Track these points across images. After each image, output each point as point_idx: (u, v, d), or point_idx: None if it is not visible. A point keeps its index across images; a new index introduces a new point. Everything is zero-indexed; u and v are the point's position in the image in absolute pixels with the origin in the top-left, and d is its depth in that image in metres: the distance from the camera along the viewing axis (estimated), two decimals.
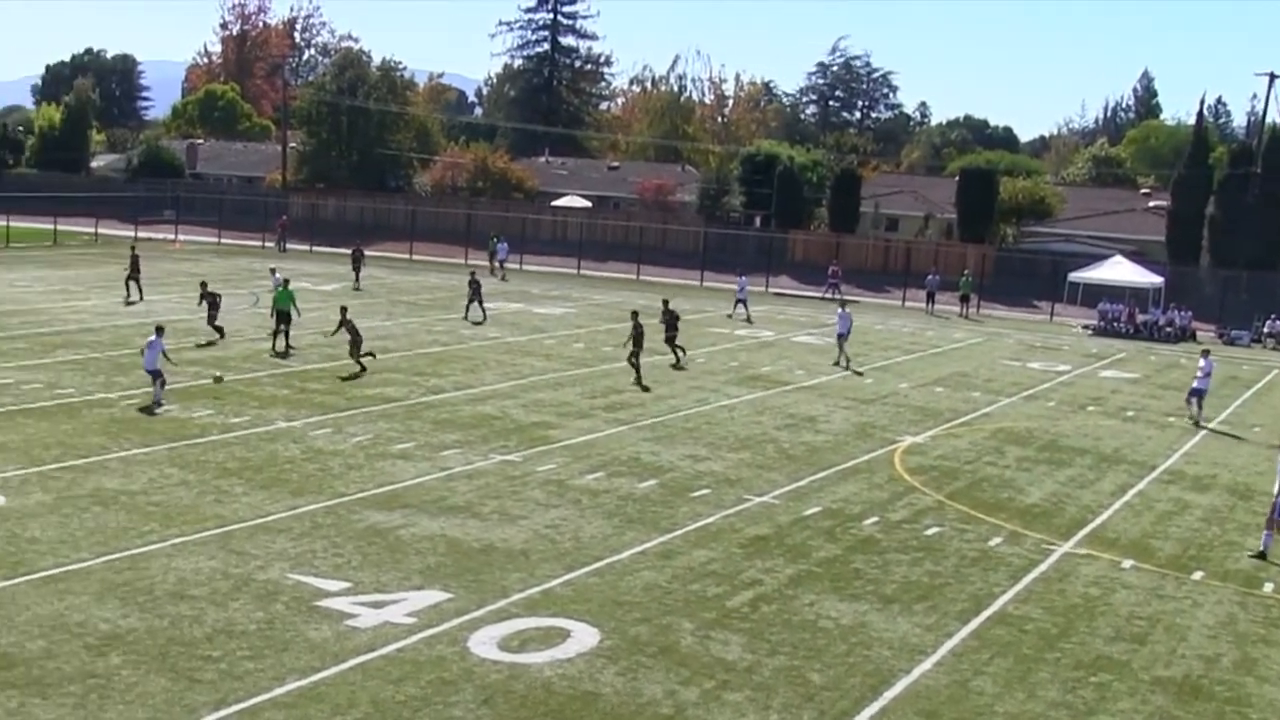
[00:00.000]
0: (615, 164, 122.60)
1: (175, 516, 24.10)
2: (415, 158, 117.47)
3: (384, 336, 47.85)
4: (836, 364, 46.99)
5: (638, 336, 41.51)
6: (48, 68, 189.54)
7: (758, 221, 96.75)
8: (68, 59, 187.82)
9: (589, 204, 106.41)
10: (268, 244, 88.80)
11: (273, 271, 53.76)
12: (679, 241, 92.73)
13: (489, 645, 18.63)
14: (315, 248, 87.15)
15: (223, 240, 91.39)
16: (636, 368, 41.50)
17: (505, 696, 17.08)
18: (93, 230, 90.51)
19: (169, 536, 22.88)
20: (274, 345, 43.18)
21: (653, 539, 24.44)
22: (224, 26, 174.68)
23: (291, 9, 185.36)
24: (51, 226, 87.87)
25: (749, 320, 60.54)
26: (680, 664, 18.54)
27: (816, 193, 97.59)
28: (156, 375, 33.98)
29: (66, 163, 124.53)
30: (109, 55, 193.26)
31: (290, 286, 44.81)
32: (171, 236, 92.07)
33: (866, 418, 38.01)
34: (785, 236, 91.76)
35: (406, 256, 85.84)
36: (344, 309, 41.36)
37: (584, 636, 19.21)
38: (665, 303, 47.24)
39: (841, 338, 47.50)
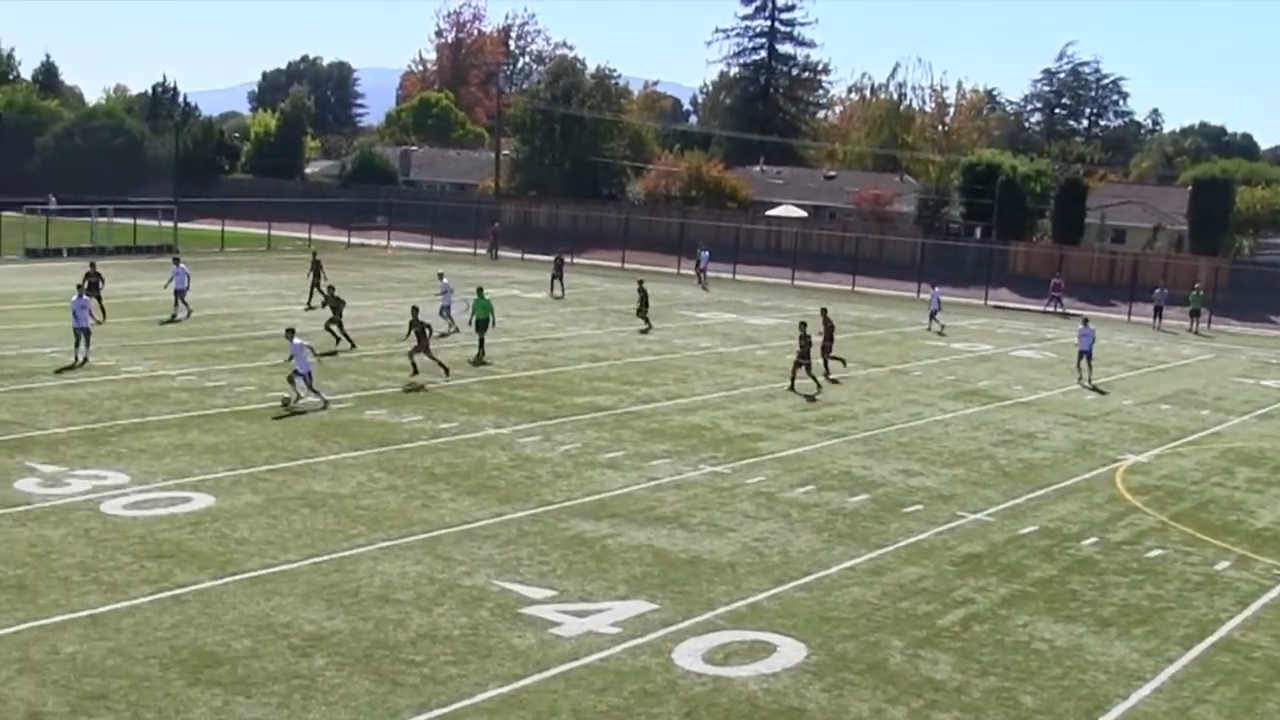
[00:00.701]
0: (832, 173, 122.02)
1: (382, 520, 24.60)
2: (628, 166, 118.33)
3: (594, 345, 48.27)
4: (1080, 382, 45.77)
5: (805, 348, 41.16)
6: (264, 75, 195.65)
7: (978, 233, 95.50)
8: (284, 66, 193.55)
9: (804, 214, 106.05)
10: (479, 251, 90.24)
11: (440, 277, 54.49)
12: (896, 253, 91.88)
13: (693, 657, 18.65)
14: (526, 255, 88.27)
15: (434, 247, 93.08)
16: (793, 376, 41.31)
17: (709, 710, 17.08)
18: (306, 235, 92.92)
19: (376, 540, 23.36)
20: (480, 354, 43.74)
21: (862, 554, 24.24)
22: (439, 34, 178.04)
23: (506, 17, 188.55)
24: (265, 231, 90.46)
25: (941, 333, 59.60)
26: (888, 682, 18.35)
27: (1039, 203, 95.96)
28: (300, 376, 34.87)
29: (281, 169, 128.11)
30: (325, 63, 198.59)
31: (486, 295, 45.17)
32: (383, 243, 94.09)
33: (1087, 435, 37.21)
34: (1006, 248, 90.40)
35: (619, 265, 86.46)
36: (415, 309, 40.89)
37: (790, 651, 19.12)
38: (824, 311, 46.70)
39: (1084, 355, 46.38)
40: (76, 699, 16.35)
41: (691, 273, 79.79)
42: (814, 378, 41.98)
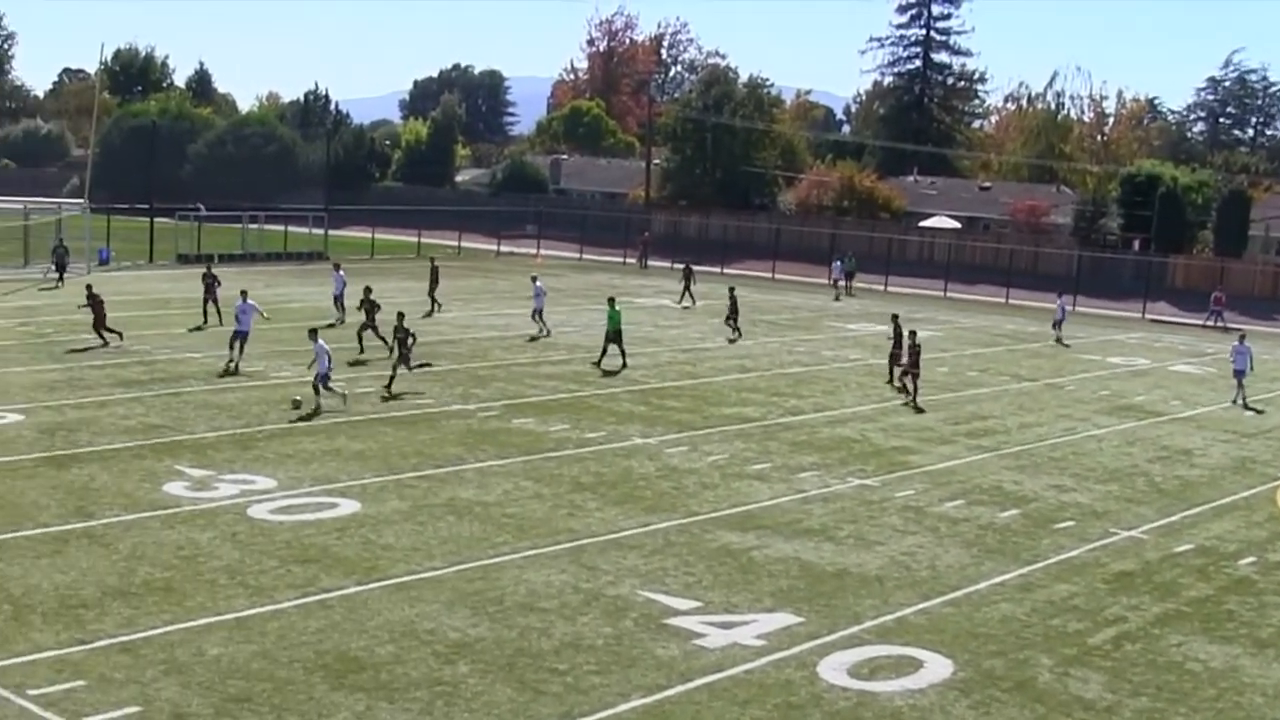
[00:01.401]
0: (987, 184, 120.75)
1: (528, 529, 24.78)
2: (780, 176, 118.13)
3: (743, 356, 48.22)
4: (1234, 402, 44.57)
5: (914, 357, 40.70)
6: (416, 83, 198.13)
7: (1136, 245, 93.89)
8: (436, 74, 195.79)
9: (958, 225, 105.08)
10: (629, 260, 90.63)
11: (534, 279, 54.76)
12: (1051, 265, 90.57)
13: (839, 671, 18.54)
14: (676, 265, 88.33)
15: (584, 256, 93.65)
16: (903, 387, 40.92)
17: None
18: (455, 243, 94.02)
19: (521, 548, 23.53)
20: (599, 363, 43.84)
21: (1012, 570, 23.93)
22: (591, 43, 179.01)
23: (659, 25, 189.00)
24: (415, 239, 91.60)
25: (1061, 342, 58.48)
26: (1036, 700, 18.09)
27: (1201, 215, 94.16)
28: (325, 378, 35.34)
29: (431, 177, 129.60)
30: (477, 71, 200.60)
31: (617, 306, 45.11)
32: (533, 251, 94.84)
33: (1247, 452, 36.42)
34: (1165, 261, 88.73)
35: (769, 275, 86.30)
36: (400, 316, 40.36)
37: (937, 667, 18.94)
38: (894, 317, 46.15)
39: (1239, 374, 45.11)
40: (220, 701, 16.66)
41: (833, 284, 79.27)
42: (905, 383, 42.26)
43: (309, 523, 24.56)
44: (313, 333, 36.33)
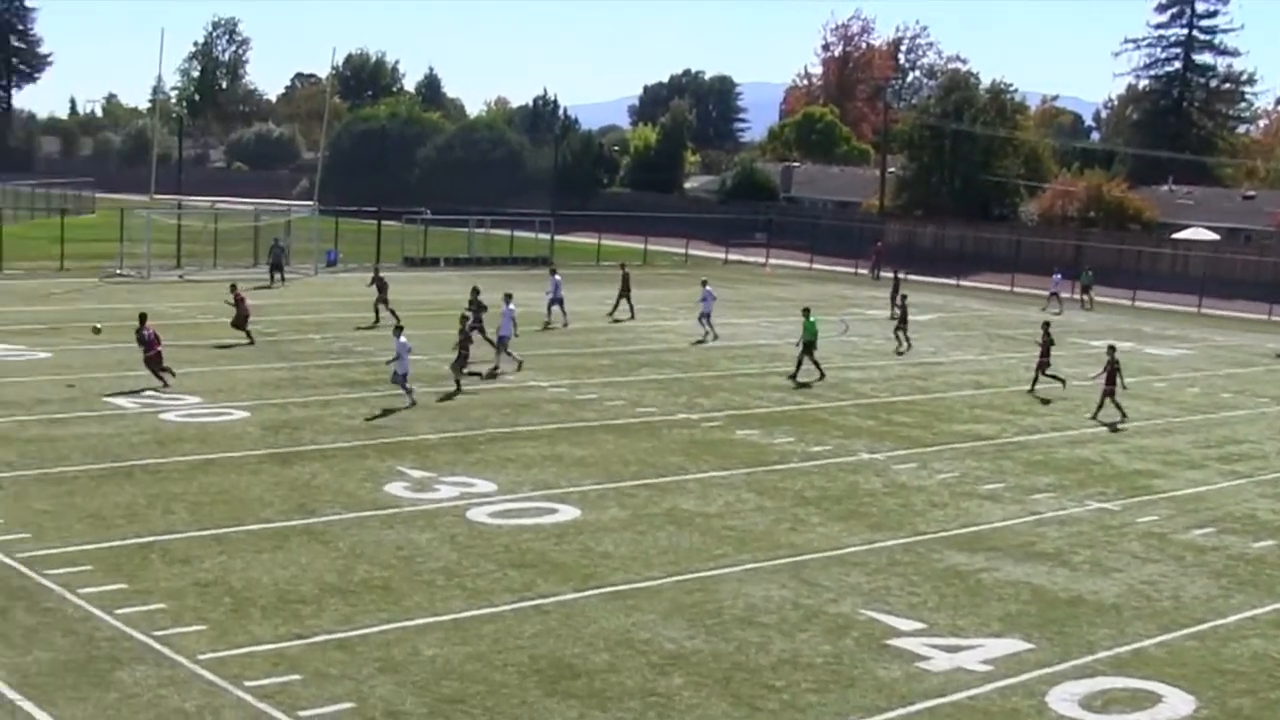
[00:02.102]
0: (1251, 193, 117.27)
1: (749, 542, 24.87)
2: (1022, 185, 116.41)
3: (978, 371, 47.71)
4: None
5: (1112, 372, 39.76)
6: (646, 89, 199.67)
7: None
8: (666, 80, 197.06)
9: (1216, 236, 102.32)
10: (859, 271, 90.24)
11: (703, 284, 54.90)
12: None
13: (1069, 702, 18.25)
14: (909, 276, 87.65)
15: (814, 265, 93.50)
16: (1116, 404, 39.98)
17: None
18: (683, 251, 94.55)
19: (741, 561, 23.63)
20: (795, 374, 43.55)
21: (1265, 604, 23.27)
22: (825, 48, 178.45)
23: (896, 29, 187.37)
24: (642, 246, 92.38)
25: None
26: None
27: None
28: (403, 377, 35.73)
29: (660, 183, 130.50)
30: (708, 77, 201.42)
31: (813, 317, 44.73)
32: (762, 260, 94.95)
33: None
34: None
35: (1007, 288, 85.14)
36: (464, 318, 40.73)
37: (1177, 703, 18.51)
38: (1045, 326, 45.01)
39: None
40: (434, 701, 17.05)
41: (1077, 296, 77.80)
42: (1054, 376, 42.80)
43: (528, 527, 24.98)
44: (398, 330, 37.09)
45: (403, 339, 36.04)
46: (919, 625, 20.82)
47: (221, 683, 17.16)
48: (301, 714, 16.46)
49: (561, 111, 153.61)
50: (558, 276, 54.62)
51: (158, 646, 18.21)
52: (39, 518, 24.06)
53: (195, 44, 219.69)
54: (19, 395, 34.96)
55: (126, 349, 39.72)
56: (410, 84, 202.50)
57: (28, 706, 16.28)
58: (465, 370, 39.18)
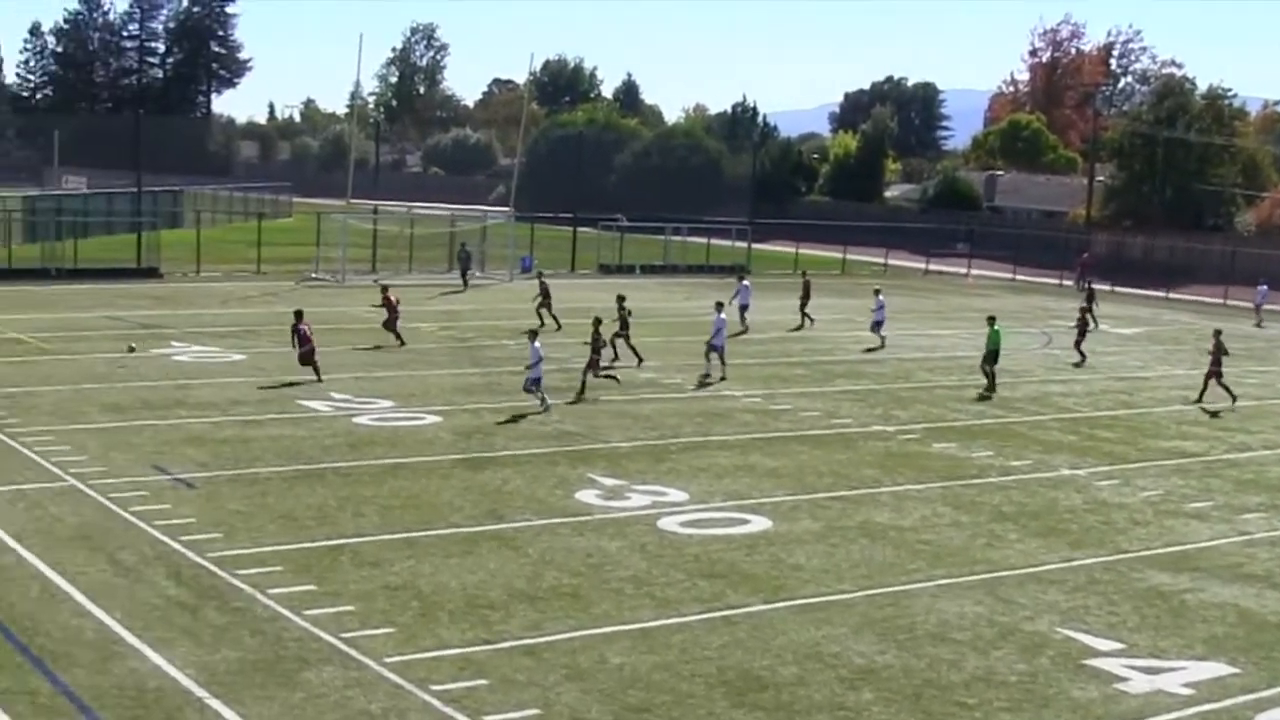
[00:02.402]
0: None
1: (943, 557, 24.60)
2: (1240, 194, 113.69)
3: (1187, 387, 46.55)
4: None
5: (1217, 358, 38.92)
6: (846, 96, 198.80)
7: None
8: (867, 87, 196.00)
9: None
10: (1065, 282, 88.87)
11: (876, 293, 54.92)
12: None
13: None
14: (1117, 288, 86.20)
15: (1017, 276, 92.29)
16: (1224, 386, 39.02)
17: None
18: (882, 260, 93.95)
19: (935, 576, 23.38)
20: (989, 385, 43.03)
21: None
22: (1033, 54, 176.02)
23: (1108, 34, 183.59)
24: (840, 255, 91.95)
25: None
26: None
27: None
28: (536, 383, 35.67)
29: (859, 191, 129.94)
30: (910, 84, 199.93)
31: (997, 326, 44.05)
32: (963, 271, 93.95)
33: None
34: None
35: (1219, 301, 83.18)
36: (597, 322, 40.03)
37: None
38: (1216, 333, 43.51)
39: None
40: (620, 709, 17.11)
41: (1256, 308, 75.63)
42: (1225, 388, 41.90)
43: (719, 538, 24.98)
44: (532, 334, 37.15)
45: (537, 344, 36.24)
46: (1118, 645, 20.41)
47: (408, 686, 17.40)
48: (486, 719, 16.62)
49: (760, 119, 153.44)
50: (746, 282, 54.78)
51: (345, 648, 18.53)
52: (231, 518, 24.64)
53: (393, 49, 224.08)
54: (214, 397, 35.88)
55: (322, 351, 40.56)
56: (608, 90, 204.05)
57: (215, 704, 16.66)
58: (601, 373, 39.30)
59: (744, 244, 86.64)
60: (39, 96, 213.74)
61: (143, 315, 50.69)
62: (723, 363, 42.45)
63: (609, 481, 28.60)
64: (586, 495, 27.45)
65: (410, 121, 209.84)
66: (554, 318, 51.12)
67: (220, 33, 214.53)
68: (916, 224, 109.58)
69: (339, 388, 37.67)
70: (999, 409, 39.84)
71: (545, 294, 52.65)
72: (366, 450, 30.57)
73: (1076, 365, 50.45)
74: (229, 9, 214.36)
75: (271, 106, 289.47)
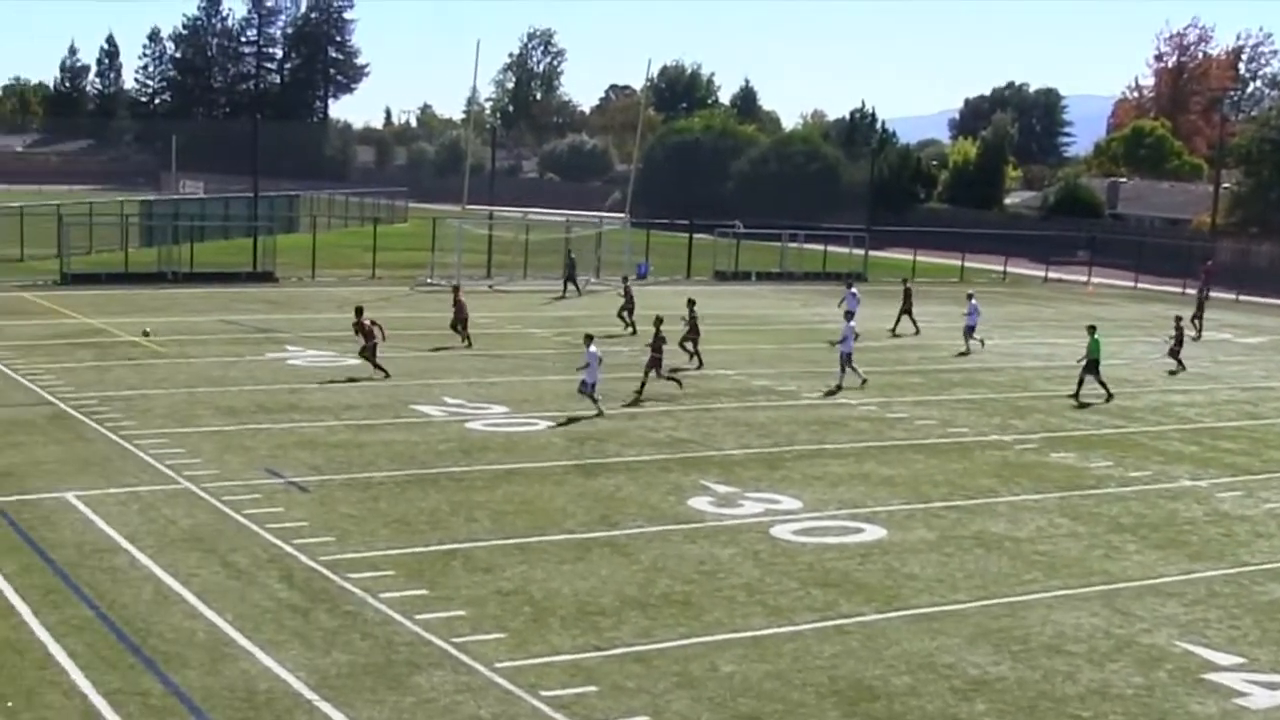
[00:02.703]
0: None
1: (1060, 568, 24.40)
2: None
3: None
4: None
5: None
6: (967, 101, 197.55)
7: None
8: (988, 93, 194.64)
9: None
10: (1188, 290, 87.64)
11: (969, 297, 54.98)
12: None
13: None
14: (1242, 297, 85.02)
15: (1139, 285, 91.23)
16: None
17: None
18: (1001, 268, 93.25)
19: (1051, 588, 23.20)
20: (1106, 393, 42.58)
21: None
22: (1158, 58, 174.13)
23: (1238, 37, 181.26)
24: (958, 263, 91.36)
25: None
26: None
27: None
28: (592, 387, 35.72)
29: (978, 199, 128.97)
30: (1031, 89, 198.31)
31: (1098, 335, 43.38)
32: (1084, 279, 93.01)
33: None
34: None
35: None
36: (658, 321, 40.12)
37: None
38: None
39: None
40: (730, 717, 17.14)
41: None
42: None
43: (832, 546, 24.95)
44: (588, 339, 36.95)
45: (593, 349, 36.25)
46: (1238, 660, 20.15)
47: (518, 691, 17.54)
48: None
49: (879, 125, 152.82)
50: (854, 290, 54.67)
51: (456, 653, 18.71)
52: (343, 522, 24.94)
53: (510, 55, 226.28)
54: (328, 401, 36.33)
55: (434, 358, 41.03)
56: (725, 96, 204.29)
57: (325, 707, 16.89)
58: (665, 375, 39.46)
59: (861, 251, 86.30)
60: (157, 101, 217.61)
61: (257, 319, 51.39)
62: (842, 371, 42.26)
63: (722, 489, 28.65)
64: (699, 502, 27.51)
65: (526, 127, 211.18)
66: (631, 324, 51.43)
67: (338, 38, 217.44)
68: (1036, 231, 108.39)
69: (452, 393, 38.02)
70: (1119, 419, 39.43)
71: (629, 300, 52.97)
72: (480, 455, 30.83)
73: (1172, 373, 49.86)
74: (347, 15, 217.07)
75: (388, 112, 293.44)
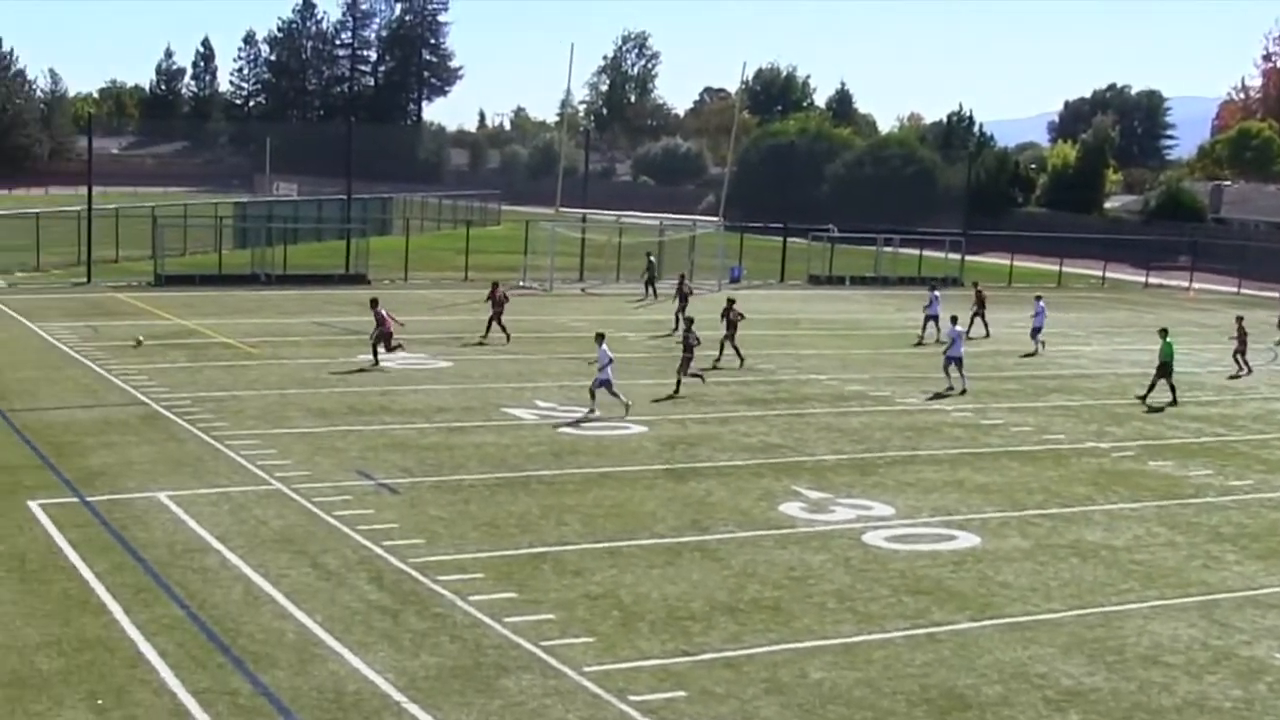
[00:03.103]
0: None
1: (1157, 578, 24.16)
2: None
3: None
4: None
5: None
6: (1066, 104, 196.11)
7: None
8: (1089, 95, 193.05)
9: None
10: None
11: (1037, 299, 55.25)
12: None
13: None
14: None
15: (1242, 290, 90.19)
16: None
17: None
18: (1100, 273, 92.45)
19: (1147, 598, 22.98)
20: (1145, 396, 42.60)
21: None
22: (1267, 58, 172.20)
23: None
24: (1056, 268, 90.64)
25: None
26: None
27: None
28: (604, 385, 35.95)
29: (1078, 202, 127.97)
30: (1133, 91, 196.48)
31: (1170, 338, 43.35)
32: (1185, 284, 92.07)
33: None
34: None
35: None
36: (689, 322, 41.12)
37: None
38: None
39: None
40: None
41: None
42: None
43: (925, 553, 24.85)
44: (599, 337, 37.25)
45: (604, 347, 36.54)
46: None
47: (606, 696, 17.59)
48: None
49: (977, 128, 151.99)
50: (937, 293, 54.74)
51: (544, 656, 18.79)
52: (433, 524, 25.11)
53: (604, 58, 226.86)
54: (419, 403, 36.58)
55: (526, 360, 41.16)
56: (821, 99, 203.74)
57: (413, 709, 17.01)
58: (689, 372, 39.88)
59: (957, 256, 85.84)
60: (252, 104, 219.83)
61: (349, 321, 51.80)
62: (961, 375, 42.55)
63: (814, 494, 28.59)
64: (790, 508, 27.48)
65: (620, 130, 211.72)
66: (677, 318, 52.28)
67: (432, 41, 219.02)
68: (1137, 236, 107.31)
69: (544, 395, 38.19)
70: (1219, 426, 39.00)
71: (684, 299, 53.88)
72: (570, 459, 30.95)
73: (1233, 377, 49.42)
74: (441, 17, 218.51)
75: (482, 114, 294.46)
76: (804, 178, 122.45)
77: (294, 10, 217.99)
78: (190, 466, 28.72)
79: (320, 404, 35.89)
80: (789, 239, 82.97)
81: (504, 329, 47.89)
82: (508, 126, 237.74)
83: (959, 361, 42.45)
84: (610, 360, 36.29)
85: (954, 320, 44.32)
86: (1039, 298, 55.31)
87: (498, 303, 47.97)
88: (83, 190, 74.57)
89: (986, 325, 57.17)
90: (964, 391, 42.00)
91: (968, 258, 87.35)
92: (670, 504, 27.39)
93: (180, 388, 37.26)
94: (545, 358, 45.18)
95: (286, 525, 24.71)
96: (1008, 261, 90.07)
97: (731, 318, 45.15)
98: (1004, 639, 20.54)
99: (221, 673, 17.84)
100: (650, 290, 67.47)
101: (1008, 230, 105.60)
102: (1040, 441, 35.66)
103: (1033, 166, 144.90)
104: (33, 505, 25.31)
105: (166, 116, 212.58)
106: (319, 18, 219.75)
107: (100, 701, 16.80)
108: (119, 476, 27.67)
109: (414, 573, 22.18)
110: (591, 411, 35.98)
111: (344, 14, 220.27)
